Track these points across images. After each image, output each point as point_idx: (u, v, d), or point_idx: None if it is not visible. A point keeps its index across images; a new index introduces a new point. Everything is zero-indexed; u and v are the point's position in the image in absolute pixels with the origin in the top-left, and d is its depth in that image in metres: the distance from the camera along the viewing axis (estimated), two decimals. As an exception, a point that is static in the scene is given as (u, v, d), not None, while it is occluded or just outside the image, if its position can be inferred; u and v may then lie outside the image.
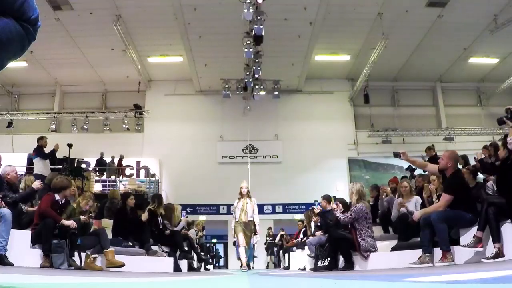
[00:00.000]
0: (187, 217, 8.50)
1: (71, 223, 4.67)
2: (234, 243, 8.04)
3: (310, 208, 7.84)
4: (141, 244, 6.11)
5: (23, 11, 1.29)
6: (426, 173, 7.65)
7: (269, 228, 14.02)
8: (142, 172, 16.01)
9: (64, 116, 16.16)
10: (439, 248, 4.16)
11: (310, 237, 7.36)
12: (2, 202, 4.43)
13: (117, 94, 16.95)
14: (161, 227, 6.58)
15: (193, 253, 8.13)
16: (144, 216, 6.24)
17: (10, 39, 1.26)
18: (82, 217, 5.08)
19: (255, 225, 7.25)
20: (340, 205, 5.38)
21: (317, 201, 7.33)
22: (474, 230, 3.95)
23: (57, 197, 4.86)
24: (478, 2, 11.61)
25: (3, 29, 1.23)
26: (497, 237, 3.64)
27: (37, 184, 5.25)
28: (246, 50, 11.40)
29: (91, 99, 16.97)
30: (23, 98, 16.94)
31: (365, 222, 5.06)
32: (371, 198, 7.43)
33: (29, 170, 13.82)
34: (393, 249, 5.13)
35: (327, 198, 6.77)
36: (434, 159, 10.12)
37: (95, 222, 5.89)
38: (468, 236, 4.04)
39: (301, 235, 9.45)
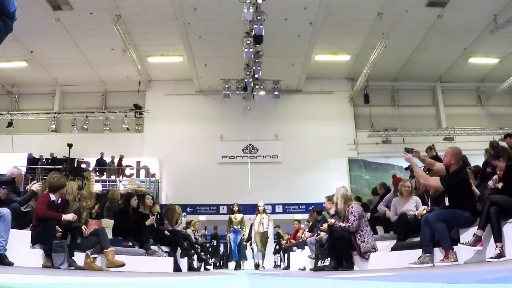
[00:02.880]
0: (186, 217, 8.52)
1: (71, 216, 4.66)
2: (250, 243, 10.50)
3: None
4: (140, 244, 6.11)
5: (3, 6, 1.40)
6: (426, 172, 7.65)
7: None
8: (142, 172, 16.02)
9: (64, 116, 16.16)
10: (439, 248, 4.14)
11: (311, 237, 7.36)
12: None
13: (117, 94, 16.95)
14: (155, 226, 6.55)
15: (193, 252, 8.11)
16: (150, 221, 6.20)
17: None
18: (84, 227, 5.09)
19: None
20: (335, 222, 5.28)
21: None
22: (474, 230, 3.93)
23: (52, 197, 4.78)
24: (478, 2, 11.61)
25: None
26: (498, 237, 3.62)
27: (36, 186, 5.22)
28: (246, 50, 11.39)
29: (91, 99, 16.98)
30: (23, 98, 16.95)
31: (363, 220, 5.04)
32: (374, 197, 7.46)
33: (29, 170, 13.86)
34: (393, 249, 5.12)
35: (331, 199, 6.75)
36: (435, 159, 10.13)
37: (95, 222, 5.88)
38: (468, 236, 4.01)
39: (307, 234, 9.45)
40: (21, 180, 5.55)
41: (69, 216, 4.66)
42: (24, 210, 5.05)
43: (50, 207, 4.70)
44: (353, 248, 5.06)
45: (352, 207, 5.04)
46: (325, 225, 5.60)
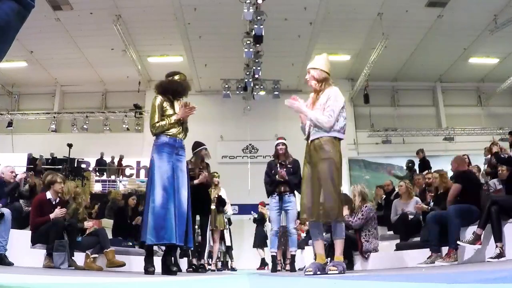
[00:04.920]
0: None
1: (59, 212, 4.62)
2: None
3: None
4: (141, 244, 6.10)
5: None
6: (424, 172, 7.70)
7: None
8: (142, 172, 16.01)
9: (64, 116, 16.16)
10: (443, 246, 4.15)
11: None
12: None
13: (117, 94, 16.94)
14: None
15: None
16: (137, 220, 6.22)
17: (8, 22, 1.25)
18: (86, 223, 5.10)
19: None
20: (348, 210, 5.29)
21: None
22: (474, 229, 3.93)
23: (49, 195, 4.80)
24: (478, 2, 11.60)
25: None
26: (498, 237, 3.62)
27: (20, 176, 5.33)
28: (246, 50, 11.39)
29: (91, 99, 16.97)
30: (23, 98, 16.94)
31: (373, 223, 5.02)
32: (379, 194, 7.49)
33: (29, 170, 13.87)
34: (398, 248, 5.13)
35: None
36: (423, 161, 10.22)
37: (95, 222, 5.89)
38: (468, 234, 4.02)
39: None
40: (11, 175, 5.59)
41: (56, 212, 4.64)
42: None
43: (47, 207, 4.69)
44: (354, 248, 5.06)
45: (366, 206, 5.04)
46: None
